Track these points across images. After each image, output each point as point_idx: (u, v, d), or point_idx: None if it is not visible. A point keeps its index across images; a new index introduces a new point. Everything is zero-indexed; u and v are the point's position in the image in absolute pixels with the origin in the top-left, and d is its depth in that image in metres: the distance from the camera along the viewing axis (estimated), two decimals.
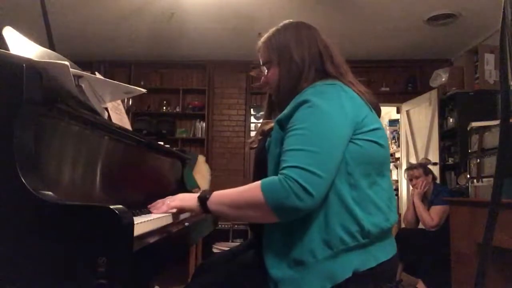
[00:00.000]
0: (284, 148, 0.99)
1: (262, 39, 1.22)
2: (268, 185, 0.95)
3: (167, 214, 1.15)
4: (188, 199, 1.12)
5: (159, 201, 1.19)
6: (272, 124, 1.13)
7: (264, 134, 1.19)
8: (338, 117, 0.99)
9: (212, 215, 1.42)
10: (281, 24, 1.21)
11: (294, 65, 1.11)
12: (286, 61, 1.13)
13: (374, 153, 1.03)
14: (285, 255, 0.99)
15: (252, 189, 0.97)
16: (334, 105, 1.00)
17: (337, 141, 0.98)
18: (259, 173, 1.09)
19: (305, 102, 1.00)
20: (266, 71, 1.20)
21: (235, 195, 1.02)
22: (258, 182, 0.97)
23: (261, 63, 1.22)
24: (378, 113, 1.15)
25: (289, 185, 0.91)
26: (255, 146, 1.23)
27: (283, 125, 1.04)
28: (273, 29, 1.21)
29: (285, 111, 1.04)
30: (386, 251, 1.04)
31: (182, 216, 1.30)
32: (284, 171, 0.94)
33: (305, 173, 0.92)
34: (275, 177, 0.95)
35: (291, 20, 1.22)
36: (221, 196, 1.05)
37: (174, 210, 1.14)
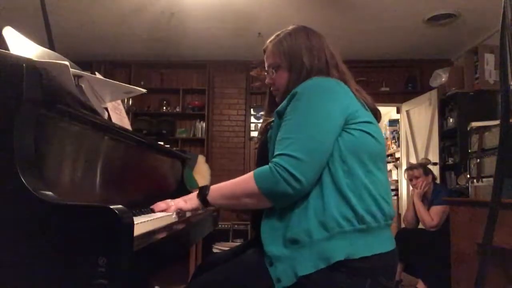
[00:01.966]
0: (277, 138, 1.06)
1: (271, 40, 1.24)
2: (260, 174, 1.03)
3: (167, 214, 1.16)
4: (190, 199, 1.18)
5: (161, 202, 1.21)
6: (270, 120, 1.19)
7: (264, 129, 1.25)
8: (327, 104, 1.05)
9: (211, 214, 1.44)
10: (291, 28, 1.24)
11: (304, 72, 1.16)
12: (297, 68, 1.17)
13: (366, 143, 1.07)
14: (282, 234, 1.03)
15: (246, 179, 1.05)
16: (324, 95, 1.06)
17: (325, 127, 1.03)
18: (261, 165, 1.11)
19: (297, 93, 1.06)
20: (274, 73, 1.23)
21: (231, 186, 1.10)
22: (251, 172, 1.05)
23: (267, 64, 1.25)
24: (378, 118, 1.19)
25: (278, 172, 0.98)
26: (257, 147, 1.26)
27: (281, 115, 1.10)
28: (283, 32, 1.23)
29: (283, 103, 1.10)
30: (383, 243, 1.05)
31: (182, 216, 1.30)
32: (274, 159, 1.02)
33: (292, 159, 0.99)
34: (266, 166, 1.02)
35: (299, 25, 1.24)
36: (219, 189, 1.13)
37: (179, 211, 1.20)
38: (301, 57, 1.16)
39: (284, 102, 1.10)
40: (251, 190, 1.03)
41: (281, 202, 1.02)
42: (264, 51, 1.27)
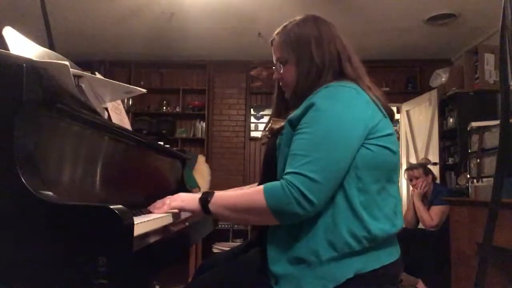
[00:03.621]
0: (291, 152, 0.99)
1: (278, 32, 1.17)
2: (271, 191, 0.95)
3: (167, 214, 1.15)
4: (188, 200, 1.10)
5: (159, 201, 1.17)
6: (281, 123, 1.11)
7: (273, 133, 1.17)
8: (348, 121, 0.98)
9: (212, 216, 1.43)
10: (299, 18, 1.16)
11: (314, 66, 1.08)
12: (306, 62, 1.09)
13: (385, 159, 1.02)
14: (289, 252, 0.99)
15: (254, 194, 0.98)
16: (345, 109, 0.99)
17: (344, 146, 0.96)
18: (268, 172, 1.09)
19: (315, 104, 0.98)
20: (282, 67, 1.15)
21: (237, 198, 1.03)
22: (261, 187, 0.98)
23: (274, 58, 1.18)
24: (392, 117, 1.13)
25: (290, 192, 0.92)
26: (264, 142, 1.21)
27: (293, 125, 1.03)
28: (291, 23, 1.15)
29: (297, 111, 1.03)
30: (391, 254, 1.03)
31: (183, 216, 1.30)
32: (287, 177, 0.95)
33: (307, 180, 0.92)
34: (277, 182, 0.96)
35: (308, 14, 1.17)
36: (223, 198, 1.05)
37: (176, 210, 1.13)
38: (310, 50, 1.08)
39: (298, 111, 1.02)
40: (258, 205, 0.96)
41: (288, 221, 0.96)
42: (272, 43, 1.18)
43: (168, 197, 1.16)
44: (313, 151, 0.95)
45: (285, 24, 1.17)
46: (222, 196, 1.05)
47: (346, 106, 0.99)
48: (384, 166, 1.02)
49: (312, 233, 0.97)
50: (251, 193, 0.99)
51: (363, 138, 0.98)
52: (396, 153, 1.05)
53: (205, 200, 1.05)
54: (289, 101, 1.18)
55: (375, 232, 0.96)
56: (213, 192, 1.07)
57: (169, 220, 1.16)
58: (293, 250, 0.98)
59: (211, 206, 1.04)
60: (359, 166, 0.98)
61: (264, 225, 1.07)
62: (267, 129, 1.21)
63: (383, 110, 1.07)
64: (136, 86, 1.42)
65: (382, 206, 1.00)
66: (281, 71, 1.15)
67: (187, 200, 1.11)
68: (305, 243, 0.97)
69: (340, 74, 1.08)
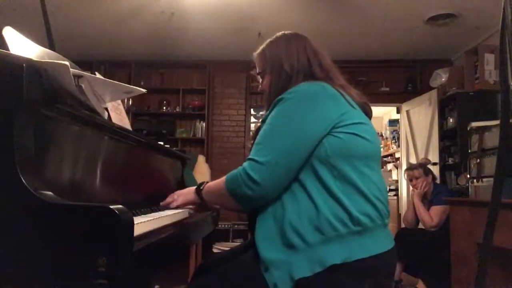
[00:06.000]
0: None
1: (257, 51, 1.31)
2: (229, 176, 1.09)
3: (166, 215, 1.16)
4: (188, 193, 1.32)
5: (170, 196, 1.37)
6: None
7: (255, 136, 1.27)
8: (304, 111, 1.06)
9: (211, 214, 1.48)
10: (274, 36, 1.30)
11: (284, 73, 1.20)
12: (277, 71, 1.22)
13: (355, 145, 1.07)
14: (277, 239, 1.03)
15: (222, 180, 1.12)
16: (305, 101, 1.07)
17: (298, 134, 1.04)
18: None
19: (280, 100, 1.09)
20: (261, 80, 1.30)
21: (215, 185, 1.18)
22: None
23: (257, 73, 1.32)
24: (369, 114, 1.20)
25: (241, 175, 1.04)
26: None
27: (265, 122, 1.13)
28: (267, 41, 1.30)
29: (268, 110, 1.14)
30: (380, 244, 1.05)
31: (182, 216, 1.30)
32: (243, 163, 1.07)
33: (255, 163, 1.03)
34: (236, 169, 1.08)
35: (284, 32, 1.30)
36: (209, 185, 1.23)
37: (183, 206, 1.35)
38: (281, 61, 1.21)
39: (269, 109, 1.12)
40: (223, 190, 1.10)
41: (244, 204, 1.08)
42: (255, 61, 1.33)
43: (175, 193, 1.37)
44: (267, 139, 1.06)
45: (263, 43, 1.32)
46: (209, 184, 1.23)
47: (307, 100, 1.08)
48: (356, 153, 1.06)
49: (297, 221, 1.01)
50: (220, 180, 1.14)
51: (323, 129, 1.05)
52: (369, 140, 1.10)
53: (199, 189, 1.26)
54: None
55: (356, 214, 1.00)
56: (207, 182, 1.25)
57: (169, 220, 1.16)
58: (281, 236, 1.02)
59: (203, 193, 1.24)
60: (329, 153, 1.04)
61: (248, 213, 1.16)
62: (254, 133, 1.33)
63: (352, 103, 1.13)
64: (136, 86, 1.42)
65: (363, 190, 1.04)
66: (262, 84, 1.30)
67: (187, 194, 1.32)
68: (291, 229, 1.01)
69: (311, 77, 1.18)
